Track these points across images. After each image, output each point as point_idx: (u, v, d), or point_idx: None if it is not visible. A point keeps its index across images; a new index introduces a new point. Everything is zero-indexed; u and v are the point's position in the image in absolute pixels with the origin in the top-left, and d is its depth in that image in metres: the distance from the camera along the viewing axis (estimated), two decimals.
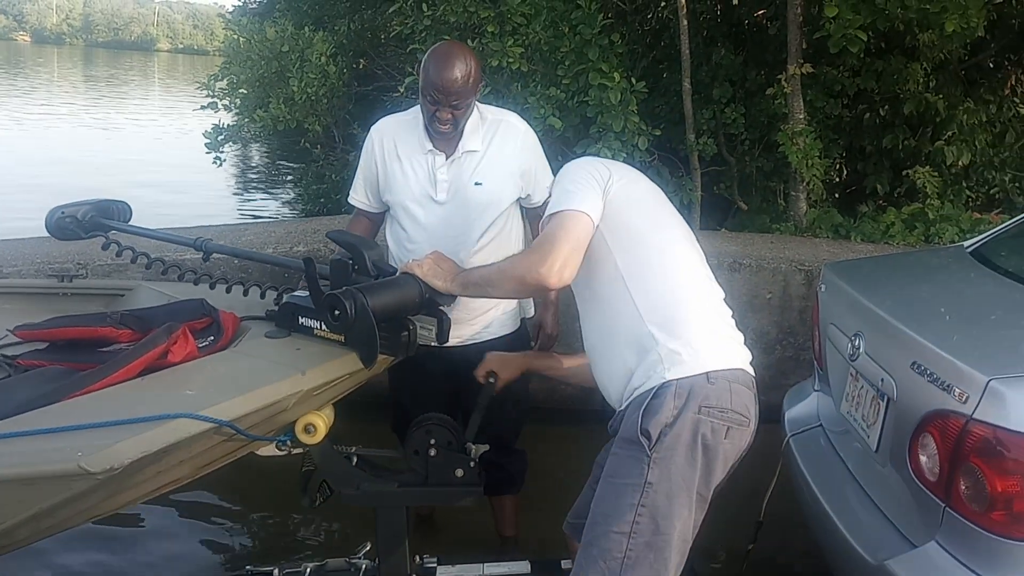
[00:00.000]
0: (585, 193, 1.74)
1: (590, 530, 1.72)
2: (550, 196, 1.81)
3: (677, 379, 1.65)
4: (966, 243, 2.71)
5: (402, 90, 5.19)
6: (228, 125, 6.74)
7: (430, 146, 2.31)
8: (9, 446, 1.43)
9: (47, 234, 2.20)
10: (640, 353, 1.71)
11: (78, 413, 1.51)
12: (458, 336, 2.30)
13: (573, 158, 1.93)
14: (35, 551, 2.45)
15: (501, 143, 2.34)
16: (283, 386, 1.67)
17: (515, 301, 2.47)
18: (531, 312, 2.60)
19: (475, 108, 2.32)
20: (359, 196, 2.49)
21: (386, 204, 2.43)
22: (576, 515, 1.99)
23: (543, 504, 2.92)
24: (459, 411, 2.33)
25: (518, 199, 2.41)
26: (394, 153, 2.36)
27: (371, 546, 2.21)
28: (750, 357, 1.78)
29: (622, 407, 1.76)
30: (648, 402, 1.66)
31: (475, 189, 2.30)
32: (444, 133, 2.26)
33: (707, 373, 1.66)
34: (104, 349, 1.88)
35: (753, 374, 1.76)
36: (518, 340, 2.51)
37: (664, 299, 1.72)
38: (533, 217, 2.46)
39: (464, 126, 2.29)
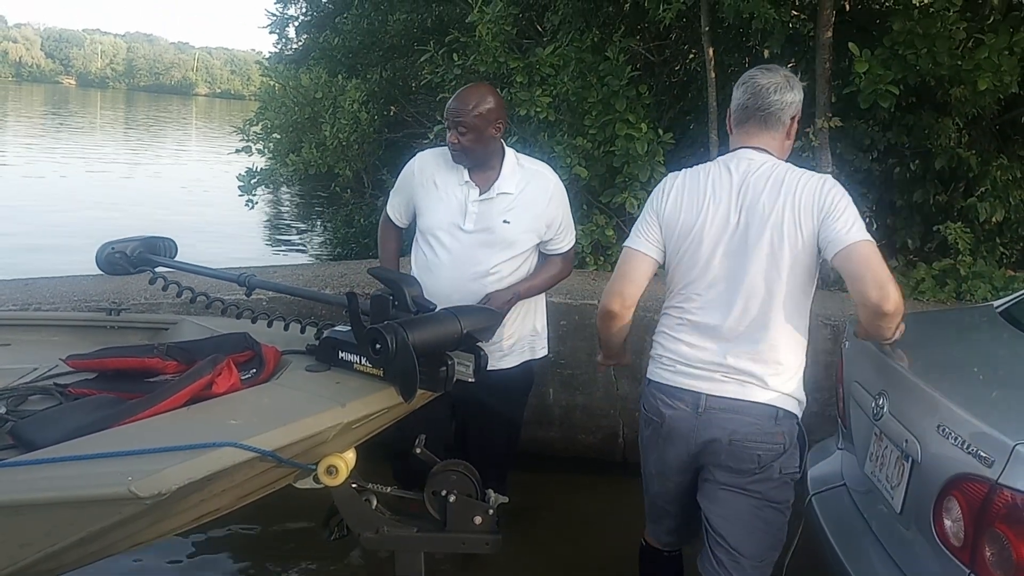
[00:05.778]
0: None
1: None
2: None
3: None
4: (996, 303, 2.67)
5: (431, 137, 5.27)
6: (261, 169, 6.90)
7: (467, 178, 2.45)
8: (61, 470, 1.47)
9: (82, 273, 2.25)
10: None
11: (127, 440, 1.55)
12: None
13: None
14: None
15: (535, 192, 2.48)
16: (324, 418, 1.71)
17: (517, 336, 2.54)
18: (540, 353, 2.65)
19: (512, 155, 2.49)
20: (394, 208, 2.64)
21: (412, 224, 2.58)
22: None
23: (568, 551, 2.89)
24: (465, 443, 2.40)
25: (537, 244, 2.53)
26: (431, 182, 2.50)
27: None
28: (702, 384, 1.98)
29: None
30: None
31: (503, 226, 2.44)
32: (456, 154, 2.41)
33: (649, 380, 2.05)
34: (151, 379, 1.93)
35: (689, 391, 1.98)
36: (524, 373, 2.58)
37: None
38: (551, 258, 2.59)
39: (498, 166, 2.46)
